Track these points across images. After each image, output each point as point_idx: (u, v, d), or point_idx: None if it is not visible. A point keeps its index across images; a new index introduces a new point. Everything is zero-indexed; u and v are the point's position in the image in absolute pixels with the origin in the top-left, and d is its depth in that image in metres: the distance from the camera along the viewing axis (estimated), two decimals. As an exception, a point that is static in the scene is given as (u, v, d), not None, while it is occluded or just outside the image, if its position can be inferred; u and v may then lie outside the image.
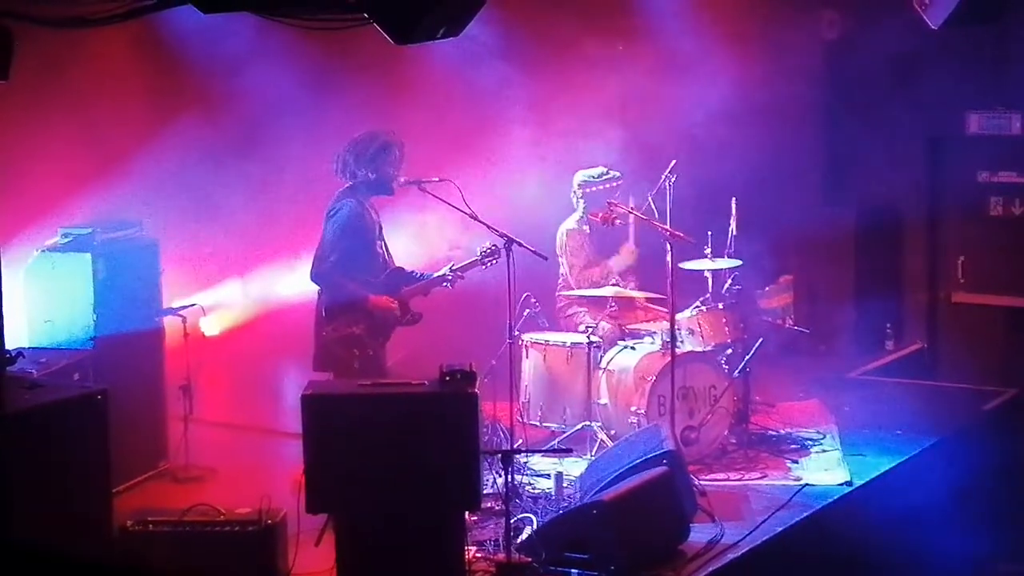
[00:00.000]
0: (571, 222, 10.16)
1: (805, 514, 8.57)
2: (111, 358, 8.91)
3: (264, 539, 7.51)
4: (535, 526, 8.04)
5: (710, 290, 9.98)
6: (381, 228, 9.02)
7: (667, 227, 9.34)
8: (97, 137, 9.55)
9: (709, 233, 9.86)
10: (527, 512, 8.32)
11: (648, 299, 10.05)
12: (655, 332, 9.81)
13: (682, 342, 9.64)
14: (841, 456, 9.65)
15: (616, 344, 9.79)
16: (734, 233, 9.96)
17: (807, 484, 9.08)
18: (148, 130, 9.72)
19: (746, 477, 9.24)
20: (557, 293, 10.17)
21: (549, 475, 8.96)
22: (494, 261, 8.96)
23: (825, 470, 9.38)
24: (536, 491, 8.87)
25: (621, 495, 7.81)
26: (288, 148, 10.11)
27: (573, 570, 7.61)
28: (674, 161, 9.49)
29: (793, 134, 11.57)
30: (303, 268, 9.01)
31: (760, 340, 9.83)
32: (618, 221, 9.83)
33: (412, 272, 9.12)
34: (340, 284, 8.76)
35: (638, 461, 8.24)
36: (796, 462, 9.53)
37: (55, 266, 9.01)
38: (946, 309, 12.42)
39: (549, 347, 9.73)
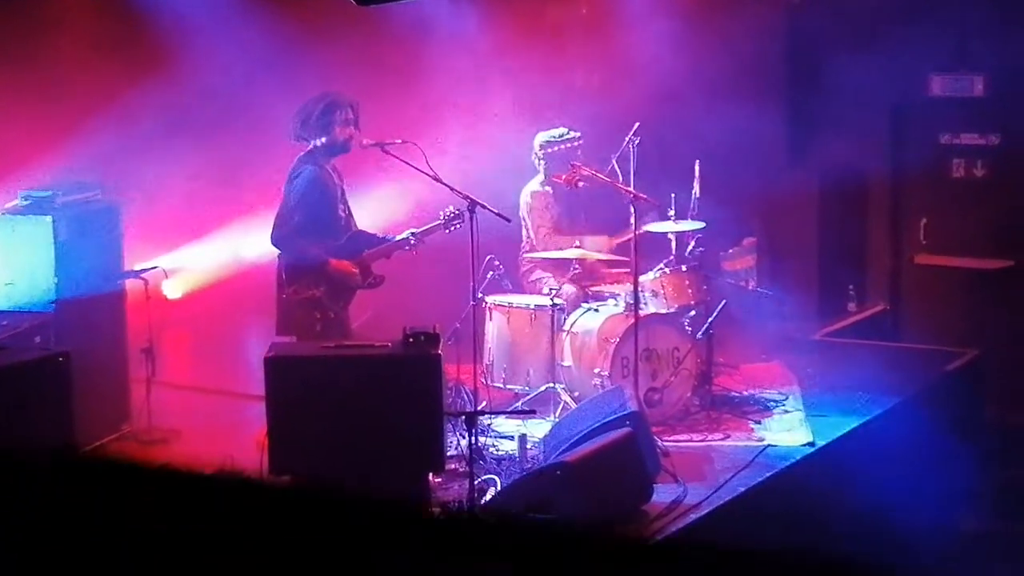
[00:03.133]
0: (534, 184, 10.14)
1: (767, 474, 8.61)
2: (73, 321, 8.86)
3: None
4: (499, 487, 8.06)
5: (673, 252, 9.97)
6: (344, 191, 9.00)
7: (630, 189, 9.34)
8: (57, 99, 9.49)
9: (672, 195, 9.86)
10: (491, 474, 8.34)
11: (611, 261, 10.05)
12: (619, 294, 9.81)
13: (645, 304, 9.66)
14: (804, 417, 9.69)
15: (579, 306, 9.80)
16: (697, 196, 9.96)
17: (770, 445, 9.12)
18: (109, 92, 9.66)
19: (709, 438, 9.27)
20: (520, 256, 10.17)
21: (513, 437, 8.96)
22: (457, 226, 8.94)
23: (788, 431, 9.42)
24: (500, 453, 8.88)
25: (585, 456, 7.83)
26: (251, 111, 10.06)
27: (536, 531, 7.62)
28: (637, 124, 9.47)
29: (756, 97, 11.55)
30: (265, 231, 8.99)
31: (723, 302, 9.86)
32: (581, 183, 9.82)
33: (374, 235, 9.11)
34: (300, 248, 8.74)
35: (601, 423, 8.26)
36: (759, 423, 9.57)
37: (15, 229, 8.94)
38: (909, 271, 12.44)
39: (513, 310, 9.73)
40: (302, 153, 8.86)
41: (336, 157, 8.92)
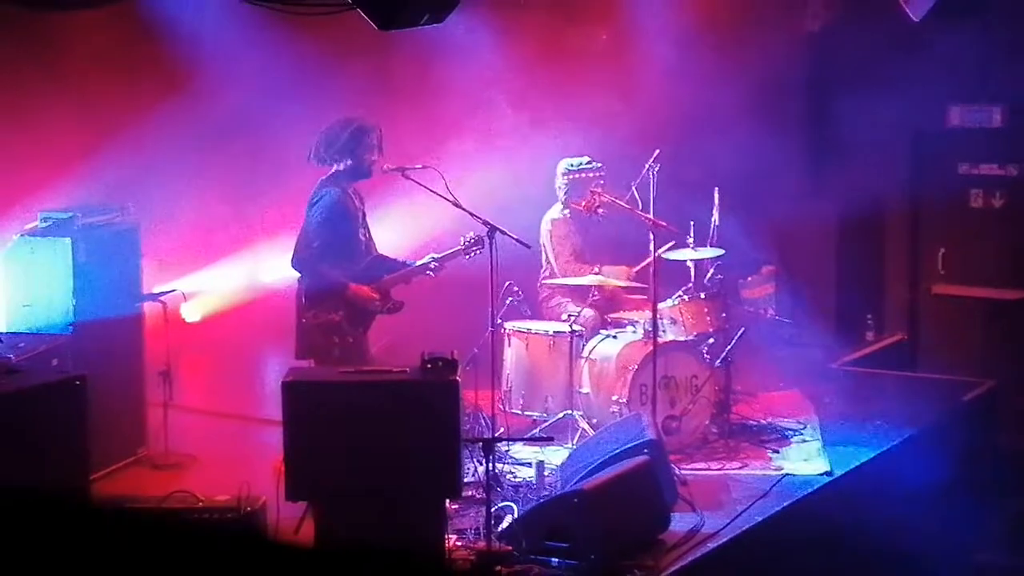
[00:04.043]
0: (555, 212, 10.14)
1: (785, 504, 8.57)
2: (90, 344, 8.82)
3: (243, 526, 7.46)
4: (516, 515, 8.02)
5: (692, 280, 9.96)
6: (364, 215, 8.98)
7: (650, 216, 9.33)
8: (78, 121, 9.49)
9: (692, 223, 9.85)
10: (508, 501, 8.29)
11: (630, 288, 10.04)
12: (637, 321, 9.80)
13: (664, 331, 9.64)
14: (821, 446, 9.66)
15: (598, 333, 9.78)
16: (717, 223, 9.96)
17: (787, 474, 9.09)
18: (129, 114, 9.67)
19: (727, 467, 9.24)
20: (540, 282, 10.15)
21: (530, 464, 8.94)
22: (478, 252, 8.92)
23: (805, 460, 9.39)
24: (517, 480, 8.85)
25: (602, 484, 7.81)
26: (271, 134, 10.07)
27: (553, 559, 7.60)
28: (657, 151, 9.48)
29: (776, 125, 11.57)
30: (285, 255, 8.98)
31: (742, 330, 9.82)
32: (601, 210, 9.82)
33: (394, 260, 9.09)
34: (321, 272, 8.72)
35: (619, 450, 8.24)
36: (777, 452, 9.54)
37: (34, 251, 8.91)
38: (927, 301, 12.44)
39: (531, 336, 9.71)
40: (324, 176, 8.84)
41: (358, 181, 8.91)
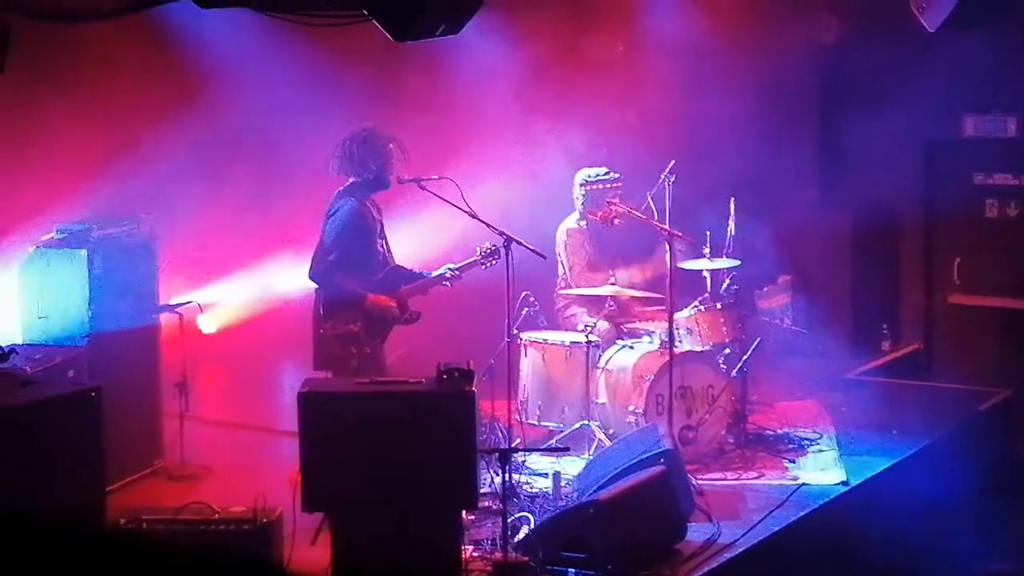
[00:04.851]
0: (571, 221, 10.15)
1: (801, 514, 8.57)
2: (106, 355, 8.83)
3: (259, 538, 7.46)
4: (532, 525, 8.01)
5: (708, 290, 9.97)
6: (382, 226, 8.99)
7: (666, 226, 9.34)
8: (94, 133, 9.51)
9: (708, 233, 9.86)
10: (524, 511, 8.29)
11: (646, 299, 10.03)
12: (653, 331, 9.80)
13: (680, 342, 9.62)
14: (837, 456, 9.65)
15: (614, 343, 9.78)
16: (732, 233, 9.97)
17: (804, 484, 9.08)
18: (145, 126, 9.69)
19: (743, 477, 9.24)
20: (556, 293, 10.15)
21: (547, 474, 8.94)
22: (494, 262, 8.94)
23: (822, 470, 9.38)
24: (534, 490, 8.84)
25: (618, 494, 7.80)
26: (286, 145, 10.09)
27: (570, 569, 7.58)
28: (673, 161, 9.49)
29: (791, 136, 11.57)
30: (301, 266, 8.98)
31: (758, 340, 9.83)
32: (617, 220, 9.83)
33: (411, 271, 9.09)
34: (338, 283, 8.72)
35: (636, 460, 8.24)
36: (793, 462, 9.53)
37: (50, 262, 8.92)
38: (942, 310, 12.40)
39: (548, 346, 9.71)
40: (341, 187, 8.85)
41: (376, 192, 8.91)
